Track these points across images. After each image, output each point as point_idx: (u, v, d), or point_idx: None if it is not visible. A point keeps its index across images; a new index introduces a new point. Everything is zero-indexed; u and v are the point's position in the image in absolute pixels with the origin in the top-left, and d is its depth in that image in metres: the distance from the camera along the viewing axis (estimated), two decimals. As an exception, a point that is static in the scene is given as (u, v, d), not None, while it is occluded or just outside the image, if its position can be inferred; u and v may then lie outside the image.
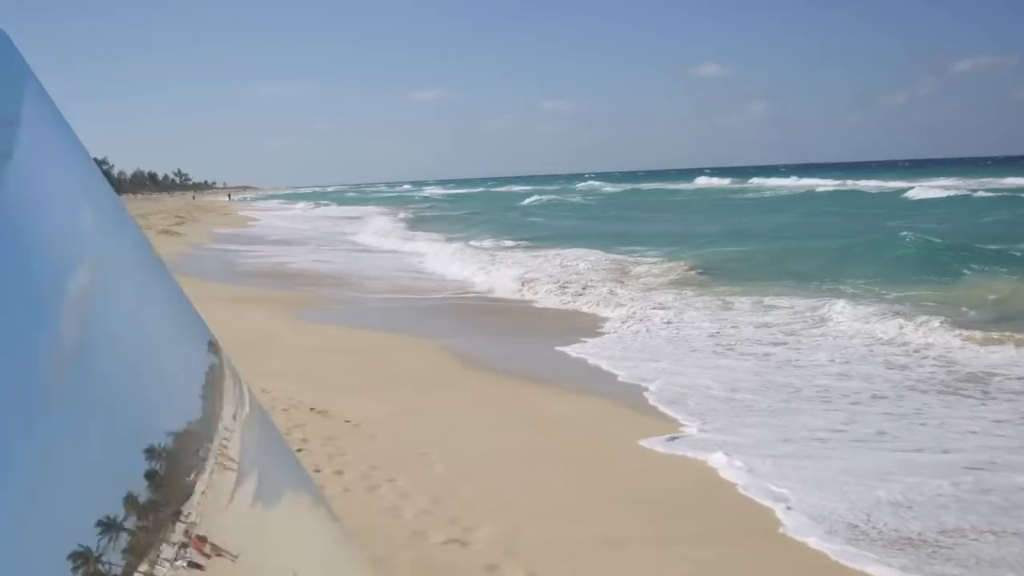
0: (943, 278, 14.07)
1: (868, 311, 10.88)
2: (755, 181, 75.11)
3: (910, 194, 41.98)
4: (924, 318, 10.17)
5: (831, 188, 54.81)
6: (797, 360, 8.84)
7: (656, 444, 6.21)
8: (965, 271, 14.51)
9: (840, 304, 11.30)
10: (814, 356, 8.98)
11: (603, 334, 10.74)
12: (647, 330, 10.74)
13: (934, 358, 8.70)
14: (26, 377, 0.65)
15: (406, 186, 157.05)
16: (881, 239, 18.88)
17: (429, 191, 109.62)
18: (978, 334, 9.45)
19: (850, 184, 58.23)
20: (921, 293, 12.70)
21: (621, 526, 4.74)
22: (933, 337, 9.47)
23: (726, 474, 5.52)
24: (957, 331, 9.59)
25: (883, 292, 12.94)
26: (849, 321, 10.52)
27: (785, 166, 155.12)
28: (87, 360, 0.72)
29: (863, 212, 32.61)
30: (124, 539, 0.68)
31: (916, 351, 9.04)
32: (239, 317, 12.13)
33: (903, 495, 5.00)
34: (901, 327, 9.94)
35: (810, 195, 48.74)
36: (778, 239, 22.93)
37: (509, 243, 25.44)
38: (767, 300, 12.45)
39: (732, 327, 10.61)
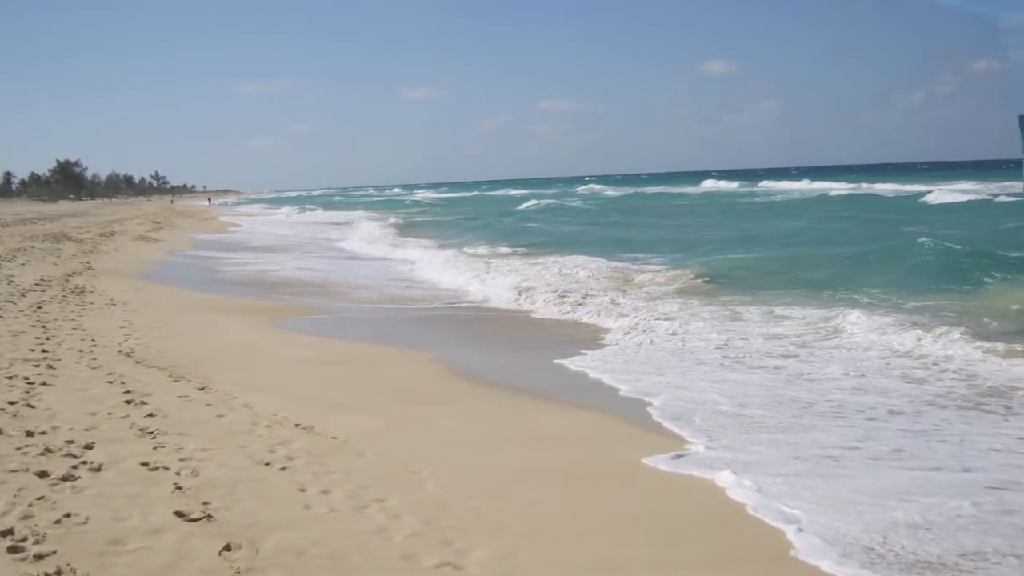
0: (963, 287, 14.10)
1: (884, 321, 10.90)
2: (765, 184, 75.25)
3: (928, 198, 42.10)
4: (944, 329, 10.18)
5: (845, 192, 54.96)
6: (809, 373, 8.85)
7: (660, 462, 6.21)
8: (986, 279, 14.54)
9: (855, 314, 11.31)
10: (827, 369, 8.99)
11: (604, 346, 10.75)
12: (651, 342, 10.74)
13: (954, 371, 8.72)
14: None
15: (396, 189, 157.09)
16: (898, 246, 18.92)
17: (420, 195, 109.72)
18: (1000, 346, 9.47)
19: (865, 188, 58.44)
20: (940, 303, 12.72)
21: (623, 549, 4.74)
22: (953, 349, 9.49)
23: (734, 494, 5.52)
24: (978, 343, 9.61)
25: (900, 301, 12.97)
26: (864, 332, 10.53)
27: (797, 168, 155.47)
28: None
29: (879, 217, 32.68)
30: None
31: (935, 364, 9.06)
32: (219, 328, 12.13)
33: (921, 516, 5.01)
34: (919, 339, 9.95)
35: (823, 199, 48.86)
36: (789, 245, 23.00)
37: (505, 250, 25.45)
38: (778, 310, 12.47)
39: (741, 339, 10.63)
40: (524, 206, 55.49)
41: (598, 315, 12.91)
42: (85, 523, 4.60)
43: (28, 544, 4.27)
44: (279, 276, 20.09)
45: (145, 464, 5.65)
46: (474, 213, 51.51)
